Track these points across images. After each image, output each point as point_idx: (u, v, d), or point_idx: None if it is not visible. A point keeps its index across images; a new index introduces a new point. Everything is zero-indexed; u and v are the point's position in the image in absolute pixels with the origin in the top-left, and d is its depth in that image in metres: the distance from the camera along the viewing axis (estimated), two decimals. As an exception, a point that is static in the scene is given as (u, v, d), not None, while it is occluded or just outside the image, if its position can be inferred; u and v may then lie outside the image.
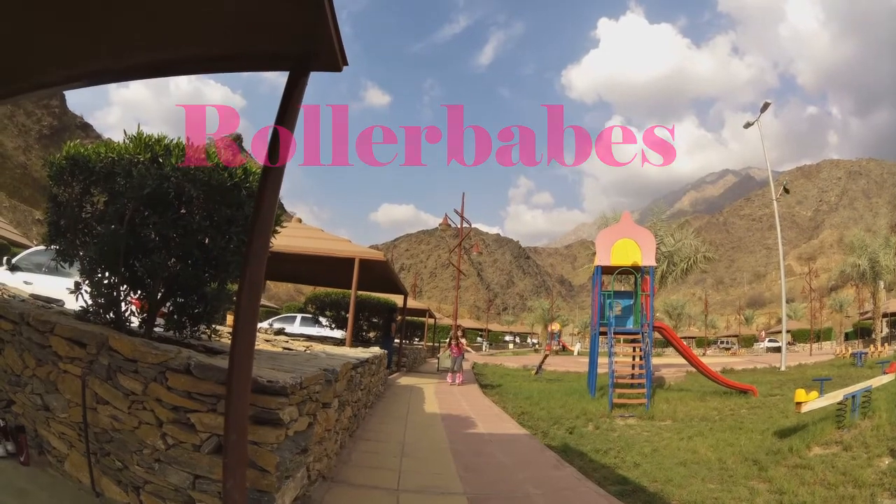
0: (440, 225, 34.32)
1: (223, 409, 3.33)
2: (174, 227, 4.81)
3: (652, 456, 8.62)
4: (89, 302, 4.94)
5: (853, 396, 9.50)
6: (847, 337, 69.18)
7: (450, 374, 19.33)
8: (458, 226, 31.53)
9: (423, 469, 6.66)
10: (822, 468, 7.24)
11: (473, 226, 32.12)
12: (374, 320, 23.49)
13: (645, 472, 7.56)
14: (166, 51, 3.25)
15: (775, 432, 9.69)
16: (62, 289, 5.64)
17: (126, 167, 4.72)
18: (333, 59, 2.88)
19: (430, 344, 43.48)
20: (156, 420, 3.80)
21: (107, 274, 4.94)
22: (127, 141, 4.94)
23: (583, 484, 6.50)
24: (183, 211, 4.85)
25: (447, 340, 23.66)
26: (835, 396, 9.37)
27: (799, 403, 9.08)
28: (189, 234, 4.88)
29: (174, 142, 4.99)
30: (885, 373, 11.86)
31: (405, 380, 18.15)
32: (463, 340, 21.24)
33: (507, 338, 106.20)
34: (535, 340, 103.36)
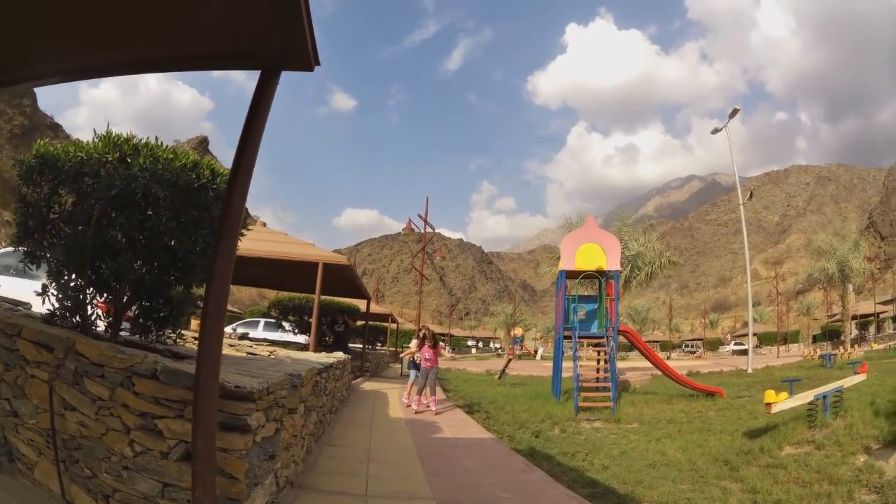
0: (404, 229, 34.33)
1: (191, 414, 3.24)
2: (141, 229, 4.70)
3: (620, 458, 8.71)
4: (56, 305, 4.79)
5: (824, 396, 9.74)
6: (815, 339, 70.95)
7: (410, 394, 13.22)
8: (422, 230, 31.54)
9: (390, 474, 6.61)
10: (796, 467, 7.40)
11: (436, 231, 32.06)
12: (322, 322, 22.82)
13: (614, 475, 7.64)
14: (139, 50, 3.21)
15: (745, 433, 9.87)
16: (30, 292, 5.48)
17: (94, 167, 4.60)
18: (306, 59, 2.86)
19: (394, 349, 43.23)
20: (123, 427, 3.70)
21: (73, 276, 4.81)
22: (96, 140, 4.81)
23: (552, 487, 6.53)
24: (150, 212, 4.74)
25: (415, 339, 14.79)
26: (805, 397, 9.59)
27: (769, 404, 9.25)
28: (155, 236, 4.76)
29: (143, 141, 4.87)
30: (856, 373, 12.14)
31: (369, 385, 18.00)
32: (441, 344, 14.91)
33: (470, 342, 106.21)
34: (497, 345, 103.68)
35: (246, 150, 3.02)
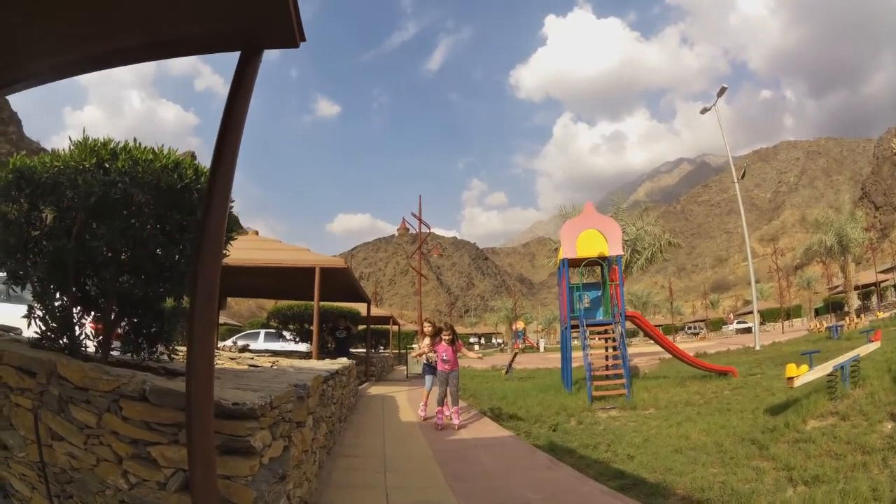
0: (398, 230, 34.01)
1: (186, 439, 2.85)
2: (123, 238, 4.35)
3: (644, 446, 8.42)
4: (42, 327, 4.44)
5: (842, 367, 9.45)
6: (817, 313, 71.02)
7: (427, 405, 10.80)
8: (417, 229, 31.22)
9: (410, 483, 6.24)
10: (825, 440, 7.17)
11: (431, 230, 31.79)
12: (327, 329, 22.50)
13: (641, 464, 7.36)
14: (110, 40, 2.90)
15: (766, 410, 9.62)
16: (19, 316, 5.14)
17: (72, 176, 4.27)
18: (290, 34, 2.56)
19: (396, 351, 42.93)
20: (114, 456, 3.32)
21: (58, 295, 4.48)
22: (72, 148, 4.49)
23: (584, 483, 6.16)
24: (132, 220, 4.38)
25: (422, 337, 11.99)
26: (824, 368, 9.35)
27: (791, 378, 9.04)
28: (139, 245, 4.42)
29: (120, 145, 4.51)
30: (870, 341, 11.86)
31: (375, 389, 17.65)
32: (459, 342, 10.71)
33: (472, 339, 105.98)
34: (499, 340, 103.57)
35: (227, 138, 2.68)
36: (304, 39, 2.61)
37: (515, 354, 30.03)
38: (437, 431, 9.40)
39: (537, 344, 73.79)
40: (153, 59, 3.11)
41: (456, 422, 9.81)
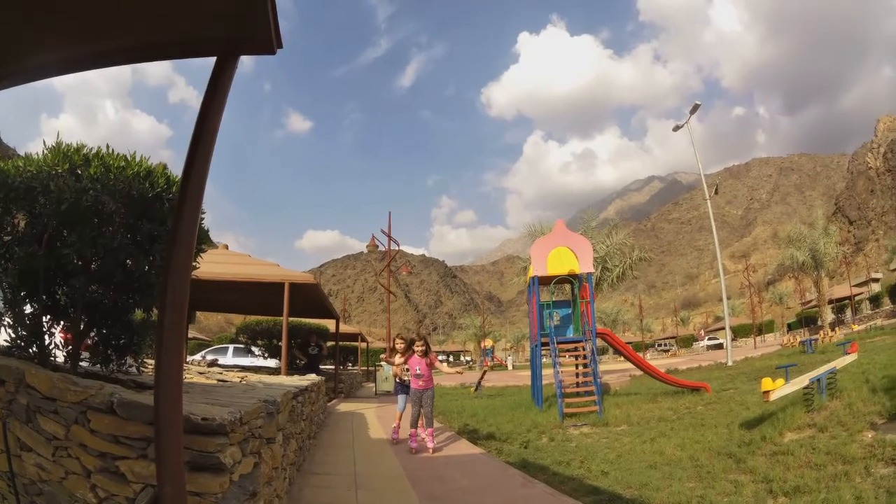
0: (368, 246, 33.94)
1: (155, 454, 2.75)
2: (93, 247, 4.25)
3: (618, 462, 8.41)
4: (12, 335, 4.31)
5: (819, 379, 9.55)
6: (790, 327, 71.95)
7: (400, 427, 10.06)
8: (386, 247, 31.15)
9: (382, 502, 6.12)
10: (804, 451, 7.17)
11: (400, 248, 31.75)
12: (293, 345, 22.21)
13: (616, 479, 7.34)
14: (87, 43, 2.83)
15: (741, 424, 9.67)
16: None
17: (45, 181, 4.18)
18: (268, 41, 2.53)
19: (365, 368, 42.64)
20: (83, 469, 3.21)
21: (28, 302, 4.38)
22: (46, 152, 4.39)
23: (559, 500, 6.13)
24: (103, 229, 4.27)
25: (399, 354, 10.13)
26: (801, 381, 9.45)
27: (767, 392, 9.12)
28: (109, 254, 4.31)
29: (93, 151, 4.41)
30: (847, 353, 12.01)
31: (344, 406, 17.45)
32: (433, 355, 9.81)
33: (441, 357, 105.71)
34: (468, 358, 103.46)
35: (200, 144, 2.63)
36: (280, 46, 2.58)
37: (485, 372, 29.95)
38: (409, 449, 9.10)
39: (506, 361, 73.90)
40: (131, 62, 3.03)
41: (430, 445, 9.13)
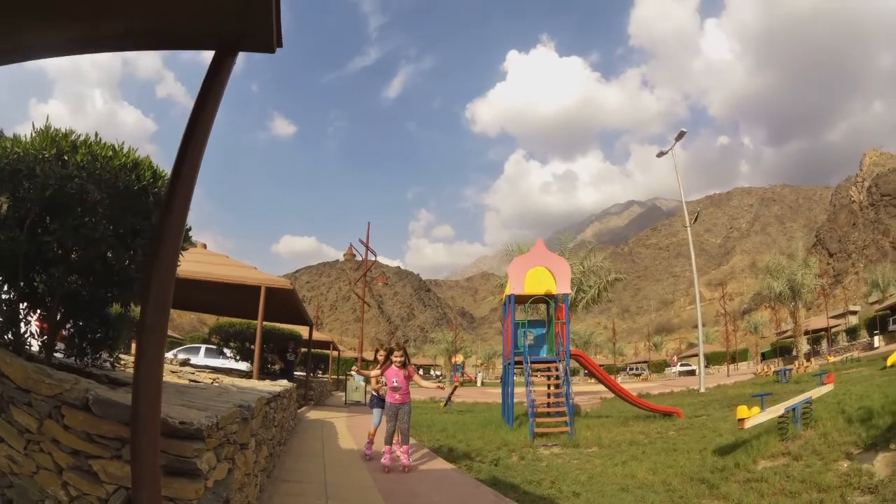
0: (345, 255, 33.67)
1: (129, 455, 2.65)
2: (75, 236, 4.14)
3: (589, 483, 8.37)
4: None
5: (794, 409, 9.61)
6: (763, 357, 72.47)
7: (373, 442, 9.59)
8: (363, 256, 31.01)
9: (353, 512, 6.01)
10: (778, 479, 7.19)
11: (376, 258, 31.64)
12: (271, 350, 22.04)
13: (588, 501, 7.35)
14: (85, 24, 2.75)
15: (714, 450, 9.69)
16: None
17: (31, 165, 4.08)
18: (268, 39, 2.51)
19: (335, 377, 42.31)
20: (55, 465, 3.12)
21: (6, 288, 4.28)
22: (34, 135, 4.28)
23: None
24: (86, 218, 4.16)
25: (378, 359, 9.55)
26: (776, 410, 9.49)
27: (742, 419, 9.09)
28: (91, 245, 4.20)
29: (81, 138, 4.30)
30: (823, 383, 12.08)
31: (314, 413, 17.26)
32: (411, 367, 9.20)
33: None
34: (438, 373, 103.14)
35: (194, 138, 2.59)
36: (280, 45, 2.56)
37: (455, 387, 29.83)
38: (380, 462, 8.65)
39: (476, 378, 73.82)
40: (129, 49, 2.99)
41: (405, 462, 8.59)
